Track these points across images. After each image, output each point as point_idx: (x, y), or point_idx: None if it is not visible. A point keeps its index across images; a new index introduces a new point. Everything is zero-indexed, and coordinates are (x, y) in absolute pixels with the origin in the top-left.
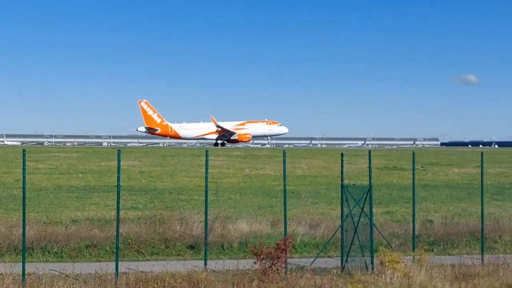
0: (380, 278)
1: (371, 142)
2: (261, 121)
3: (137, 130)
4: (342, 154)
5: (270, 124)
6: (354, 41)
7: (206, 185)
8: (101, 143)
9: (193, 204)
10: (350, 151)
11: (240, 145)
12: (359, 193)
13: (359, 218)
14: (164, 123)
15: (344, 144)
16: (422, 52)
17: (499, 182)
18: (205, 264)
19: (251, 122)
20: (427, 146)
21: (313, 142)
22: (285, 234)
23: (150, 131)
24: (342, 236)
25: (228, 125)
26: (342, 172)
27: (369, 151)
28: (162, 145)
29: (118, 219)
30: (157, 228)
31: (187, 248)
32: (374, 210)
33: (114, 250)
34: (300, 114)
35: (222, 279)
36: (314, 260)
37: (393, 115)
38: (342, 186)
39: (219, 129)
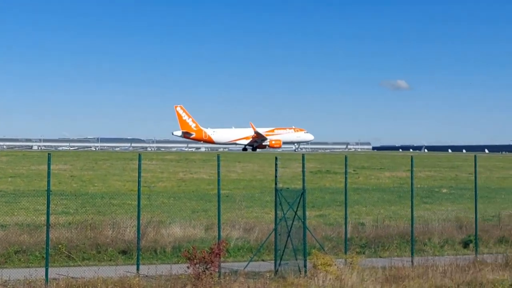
0: (312, 281)
1: (305, 146)
2: (289, 128)
3: (172, 134)
4: (276, 158)
5: (297, 131)
6: (291, 43)
7: (138, 189)
8: (31, 147)
9: (126, 209)
10: (284, 155)
11: (267, 150)
12: (293, 197)
13: (293, 221)
14: (199, 128)
15: (278, 148)
16: (353, 56)
17: (428, 186)
18: (138, 269)
19: (280, 129)
20: (359, 150)
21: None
22: (219, 238)
23: (186, 135)
24: (275, 239)
25: (260, 131)
26: (276, 176)
27: (303, 155)
28: (94, 149)
29: (48, 224)
30: (88, 233)
31: (119, 253)
32: (307, 213)
33: (44, 255)
34: (226, 116)
35: (155, 284)
36: (247, 264)
37: (326, 119)
38: (276, 189)
39: (255, 135)
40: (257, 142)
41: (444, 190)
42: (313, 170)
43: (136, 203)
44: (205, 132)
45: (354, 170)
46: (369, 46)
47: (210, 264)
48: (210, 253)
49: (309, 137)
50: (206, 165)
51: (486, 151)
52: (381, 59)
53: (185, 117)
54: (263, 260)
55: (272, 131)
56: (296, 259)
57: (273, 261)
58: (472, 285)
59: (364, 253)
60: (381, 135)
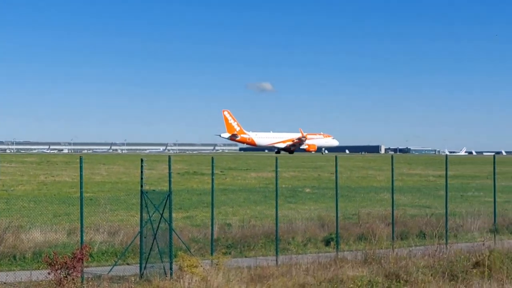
0: (178, 283)
1: (172, 147)
2: (319, 134)
3: (220, 136)
4: (142, 160)
5: (326, 137)
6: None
7: None
8: None
9: None
10: (151, 156)
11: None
12: (159, 199)
13: (159, 224)
14: (242, 131)
15: (145, 149)
16: (219, 59)
17: (293, 185)
18: None
19: (311, 134)
20: (226, 151)
21: (114, 147)
22: (81, 243)
23: (232, 137)
24: (141, 242)
25: (294, 136)
26: (142, 178)
27: (169, 157)
28: None
29: None
30: None
31: None
32: (174, 215)
33: None
34: (100, 119)
35: None
36: (112, 268)
37: (193, 121)
38: (141, 192)
39: (297, 139)
40: (295, 146)
41: (308, 190)
42: (181, 172)
43: None
44: (249, 135)
45: (221, 171)
46: (236, 49)
47: (72, 270)
48: (72, 258)
49: (335, 142)
50: (69, 168)
51: (347, 151)
52: (248, 62)
53: (230, 120)
54: (128, 264)
55: (305, 136)
56: (162, 262)
57: (138, 265)
58: (333, 282)
59: (230, 253)
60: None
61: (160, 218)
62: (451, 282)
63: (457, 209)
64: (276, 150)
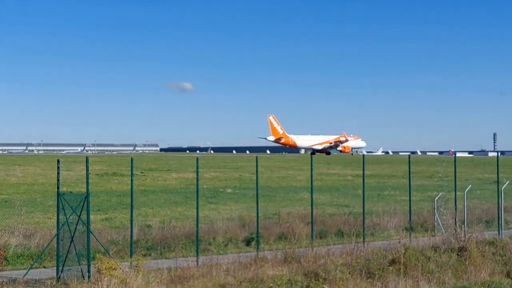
0: (96, 286)
1: (91, 148)
2: (349, 136)
3: (266, 139)
4: (58, 161)
5: (356, 139)
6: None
7: None
8: None
9: None
10: (68, 157)
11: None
12: (77, 201)
13: (76, 226)
14: (285, 135)
15: (63, 150)
16: (139, 58)
17: (214, 186)
18: None
19: (343, 136)
20: (147, 152)
21: (30, 148)
22: None
23: (277, 140)
24: (57, 245)
25: (330, 139)
26: (58, 180)
27: (87, 158)
28: None
29: None
30: None
31: None
32: (92, 217)
33: None
34: (15, 118)
35: None
36: (27, 272)
37: (113, 121)
38: (58, 193)
39: (335, 141)
40: (332, 148)
41: (229, 190)
42: (99, 173)
43: None
44: (291, 138)
45: (141, 172)
46: (155, 48)
47: None
48: None
49: (363, 144)
50: None
51: (268, 152)
52: (167, 62)
53: (275, 124)
54: (44, 267)
55: (338, 138)
56: (80, 265)
57: (55, 268)
58: (254, 282)
59: (150, 255)
60: (169, 136)
61: (78, 220)
62: (368, 280)
63: (374, 208)
64: (311, 151)
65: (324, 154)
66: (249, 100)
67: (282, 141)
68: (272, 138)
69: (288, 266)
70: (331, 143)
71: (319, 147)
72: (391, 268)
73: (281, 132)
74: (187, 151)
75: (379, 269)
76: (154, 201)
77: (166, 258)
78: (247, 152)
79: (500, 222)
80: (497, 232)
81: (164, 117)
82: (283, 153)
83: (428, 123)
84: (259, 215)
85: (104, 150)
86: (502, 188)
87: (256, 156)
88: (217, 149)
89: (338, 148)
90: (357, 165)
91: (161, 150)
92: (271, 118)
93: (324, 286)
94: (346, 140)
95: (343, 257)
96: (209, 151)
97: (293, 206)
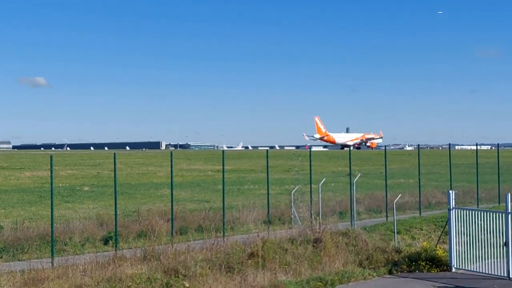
0: None
1: None
2: (371, 134)
3: (313, 136)
4: None
5: (376, 136)
6: None
7: None
8: None
9: None
10: None
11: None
12: None
13: None
14: (327, 133)
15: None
16: None
17: (70, 184)
18: None
19: (367, 134)
20: None
21: None
22: None
23: (321, 138)
24: None
25: (358, 136)
26: None
27: None
28: None
29: None
30: None
31: None
32: None
33: None
34: None
35: None
36: None
37: None
38: None
39: (365, 139)
40: (361, 144)
41: (86, 188)
42: None
43: None
44: (331, 136)
45: None
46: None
47: None
48: None
49: (380, 140)
50: None
51: (127, 148)
52: (18, 55)
53: (320, 124)
54: None
55: (364, 136)
56: None
57: None
58: (112, 281)
59: (1, 257)
60: (22, 133)
61: None
62: (228, 274)
63: (234, 202)
64: (341, 147)
65: (355, 148)
66: (108, 96)
67: (325, 138)
68: (317, 135)
69: (147, 264)
70: (362, 139)
71: (351, 143)
72: (250, 262)
73: (323, 130)
74: (42, 148)
75: (239, 263)
76: (6, 201)
77: (19, 260)
78: (106, 148)
79: (352, 213)
80: (349, 223)
81: (16, 113)
82: (143, 149)
83: (285, 119)
84: (118, 213)
85: None
86: (354, 181)
87: (114, 153)
88: (74, 146)
89: (367, 144)
90: (218, 161)
91: (14, 147)
92: (316, 119)
93: (184, 282)
94: (373, 138)
95: (203, 253)
96: (65, 148)
97: (154, 203)
